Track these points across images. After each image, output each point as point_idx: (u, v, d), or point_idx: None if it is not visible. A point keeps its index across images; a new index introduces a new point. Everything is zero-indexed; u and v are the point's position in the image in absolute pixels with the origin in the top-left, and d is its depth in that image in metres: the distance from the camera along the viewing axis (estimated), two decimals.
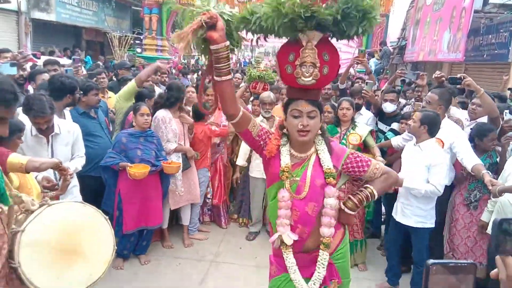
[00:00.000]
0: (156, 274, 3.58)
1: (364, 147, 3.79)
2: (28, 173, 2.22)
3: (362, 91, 4.50)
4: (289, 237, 1.85)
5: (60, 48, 12.75)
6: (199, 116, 4.12)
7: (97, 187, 3.59)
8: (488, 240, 3.14)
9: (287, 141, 1.93)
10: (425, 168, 3.07)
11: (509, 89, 6.25)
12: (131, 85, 4.08)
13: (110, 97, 4.88)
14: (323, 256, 1.88)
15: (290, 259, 1.88)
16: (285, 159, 1.87)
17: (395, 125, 4.16)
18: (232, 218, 4.77)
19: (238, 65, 33.16)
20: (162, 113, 3.81)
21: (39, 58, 4.58)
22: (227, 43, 1.70)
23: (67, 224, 1.84)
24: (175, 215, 4.34)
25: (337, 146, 1.99)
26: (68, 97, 3.28)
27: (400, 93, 5.23)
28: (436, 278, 0.76)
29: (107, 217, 1.95)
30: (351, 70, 6.79)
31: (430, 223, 3.16)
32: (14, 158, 2.17)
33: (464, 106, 4.22)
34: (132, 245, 3.67)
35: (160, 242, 4.07)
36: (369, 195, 1.89)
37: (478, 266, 0.80)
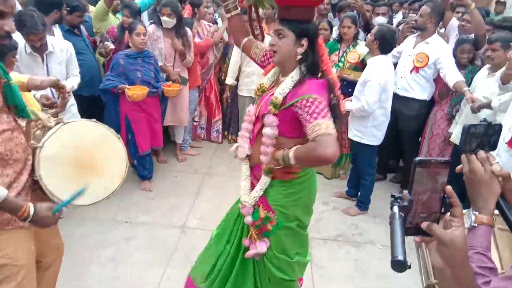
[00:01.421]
0: (154, 185, 3.86)
1: (362, 67, 3.90)
2: (30, 91, 2.28)
3: (351, 0, 4.41)
4: (243, 150, 1.88)
5: None
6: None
7: (87, 107, 3.59)
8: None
9: None
10: (361, 84, 3.20)
11: (496, 2, 6.28)
12: (99, 5, 3.94)
13: (91, 11, 4.69)
14: (264, 181, 1.85)
15: (244, 168, 1.95)
16: (265, 80, 1.88)
17: None
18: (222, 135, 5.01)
19: None
20: (151, 28, 3.76)
21: None
22: None
23: (82, 141, 1.95)
24: (167, 133, 4.52)
25: (307, 87, 1.67)
26: (55, 13, 3.20)
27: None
28: (420, 172, 0.93)
29: (118, 135, 2.10)
30: None
31: (367, 139, 3.32)
32: (14, 76, 2.20)
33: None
34: (150, 164, 3.82)
35: (154, 158, 4.29)
36: (284, 156, 1.68)
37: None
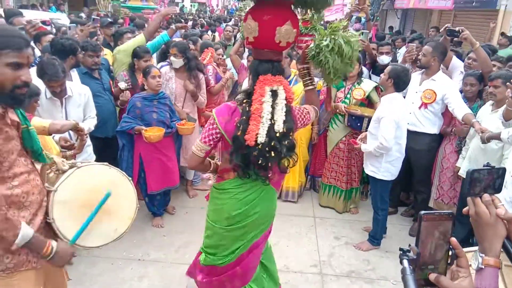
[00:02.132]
0: (166, 221, 3.91)
1: (368, 103, 4.02)
2: (51, 135, 2.40)
3: (359, 40, 4.58)
4: None
5: (42, 0, 12.26)
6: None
7: (101, 148, 3.67)
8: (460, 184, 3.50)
9: None
10: (376, 121, 3.31)
11: (501, 34, 6.39)
12: (139, 39, 4.09)
13: (106, 54, 4.89)
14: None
15: None
16: None
17: (374, 78, 4.42)
18: None
19: (225, 11, 32.18)
20: (164, 69, 3.93)
21: (49, 25, 4.53)
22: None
23: (95, 184, 2.03)
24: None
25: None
26: (71, 58, 3.35)
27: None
28: (425, 224, 0.99)
29: (130, 178, 2.18)
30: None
31: (382, 175, 3.38)
32: (36, 121, 2.32)
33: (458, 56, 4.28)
34: (159, 203, 3.89)
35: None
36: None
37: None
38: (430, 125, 3.65)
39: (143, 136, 3.45)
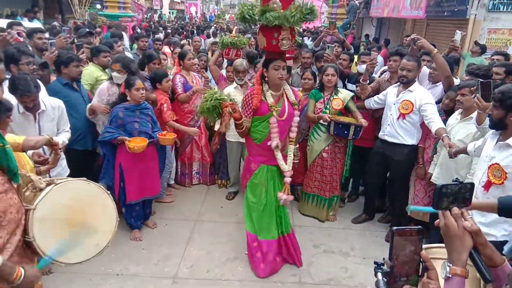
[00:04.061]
0: (145, 234, 3.87)
1: (345, 111, 4.11)
2: (25, 151, 2.36)
3: (324, 55, 4.77)
4: (280, 143, 3.13)
5: (17, 9, 12.02)
6: (153, 83, 4.23)
7: (81, 160, 3.66)
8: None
9: (269, 88, 3.11)
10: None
11: (474, 42, 6.60)
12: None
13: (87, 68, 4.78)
14: (291, 147, 3.29)
15: (278, 155, 3.17)
16: (270, 99, 3.09)
17: (350, 86, 4.53)
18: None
19: (203, 19, 32.22)
20: (105, 85, 3.83)
21: (22, 37, 4.43)
22: (243, 118, 3.07)
23: (73, 200, 2.03)
24: None
25: (294, 90, 3.29)
26: (12, 67, 3.19)
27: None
28: (398, 239, 1.06)
29: (109, 192, 2.17)
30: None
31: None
32: (10, 138, 2.28)
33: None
34: (138, 214, 3.85)
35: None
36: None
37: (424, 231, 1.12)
38: (409, 136, 3.73)
39: (126, 147, 3.45)
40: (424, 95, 3.61)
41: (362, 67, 4.66)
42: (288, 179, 3.25)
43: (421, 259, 1.07)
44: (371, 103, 4.09)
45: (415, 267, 1.07)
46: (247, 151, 3.41)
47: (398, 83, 3.79)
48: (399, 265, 1.05)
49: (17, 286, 1.66)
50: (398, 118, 3.72)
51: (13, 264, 1.65)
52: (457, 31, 5.29)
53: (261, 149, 3.20)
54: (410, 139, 3.74)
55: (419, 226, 1.11)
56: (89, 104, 3.73)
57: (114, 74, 3.80)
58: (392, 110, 3.78)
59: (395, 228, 1.06)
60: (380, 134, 3.91)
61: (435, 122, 3.40)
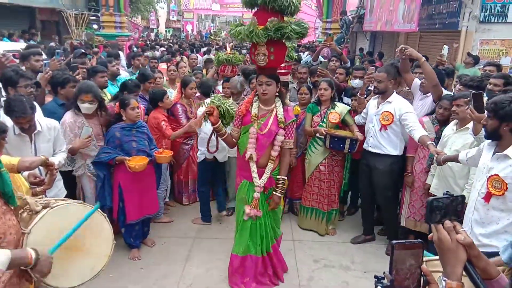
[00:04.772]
0: (143, 253, 3.83)
1: (342, 125, 4.14)
2: (19, 172, 2.35)
3: (317, 69, 4.83)
4: (254, 155, 3.08)
5: (14, 30, 12.15)
6: (153, 102, 4.24)
7: (71, 180, 3.60)
8: None
9: (257, 99, 3.14)
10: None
11: (467, 53, 6.68)
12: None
13: None
14: (270, 166, 3.13)
15: (253, 167, 3.11)
16: (255, 110, 3.11)
17: (346, 100, 4.56)
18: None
19: (199, 37, 32.57)
20: (69, 119, 3.49)
21: (18, 58, 4.47)
22: (220, 124, 3.07)
23: (69, 224, 2.01)
24: None
25: (289, 111, 3.18)
26: (10, 89, 3.19)
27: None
28: (398, 253, 1.05)
29: (105, 215, 2.16)
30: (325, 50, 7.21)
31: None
32: (5, 159, 2.27)
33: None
34: (137, 233, 3.81)
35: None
36: (284, 183, 3.14)
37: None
38: (392, 147, 3.75)
39: (126, 166, 3.44)
40: (403, 105, 3.64)
41: (355, 82, 4.71)
42: (257, 194, 3.13)
43: (422, 273, 1.06)
44: (359, 118, 4.12)
45: (416, 280, 1.06)
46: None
47: (377, 95, 3.83)
48: (400, 279, 1.04)
49: (37, 269, 1.69)
50: (380, 129, 3.75)
51: (20, 251, 1.68)
52: (444, 46, 5.39)
53: (243, 161, 3.17)
54: (393, 150, 3.76)
55: (420, 240, 1.10)
56: (69, 147, 3.34)
57: (86, 105, 3.44)
58: (374, 121, 3.81)
59: (395, 241, 1.05)
60: (364, 146, 3.93)
61: (417, 130, 3.42)
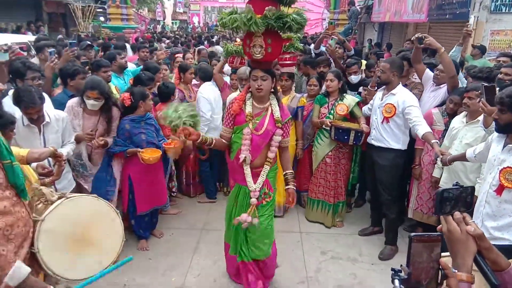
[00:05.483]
0: (151, 244, 3.85)
1: (350, 117, 4.09)
2: (29, 164, 2.36)
3: (326, 46, 4.76)
4: (248, 157, 2.80)
5: (21, 22, 12.18)
6: (164, 96, 4.22)
7: None
8: None
9: (251, 96, 2.86)
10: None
11: (472, 45, 6.57)
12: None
13: None
14: (266, 168, 2.88)
15: (247, 170, 2.85)
16: (249, 109, 2.83)
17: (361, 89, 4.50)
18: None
19: (206, 28, 32.45)
20: (71, 103, 3.46)
21: (26, 51, 4.48)
22: (202, 136, 2.71)
23: (82, 216, 2.06)
24: None
25: (285, 108, 2.95)
26: (19, 81, 3.22)
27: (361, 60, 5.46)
28: (415, 246, 1.03)
29: (118, 211, 2.18)
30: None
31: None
32: (14, 151, 2.28)
33: (431, 67, 4.16)
34: (147, 224, 3.85)
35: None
36: (293, 176, 3.00)
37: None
38: (394, 141, 3.64)
39: (140, 158, 3.46)
40: (407, 98, 3.53)
41: (351, 78, 4.65)
42: (254, 200, 2.86)
43: (440, 267, 1.04)
44: (365, 110, 4.05)
45: (434, 274, 1.04)
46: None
47: (384, 86, 3.75)
48: (417, 272, 1.03)
49: None
50: (382, 122, 3.66)
51: (42, 282, 1.74)
52: (471, 16, 5.13)
53: (235, 164, 2.89)
54: (395, 143, 3.64)
55: (438, 233, 1.08)
56: (75, 134, 3.33)
57: (91, 102, 3.34)
58: (377, 113, 3.73)
59: (413, 234, 1.03)
60: (368, 139, 3.85)
61: (421, 126, 3.31)
